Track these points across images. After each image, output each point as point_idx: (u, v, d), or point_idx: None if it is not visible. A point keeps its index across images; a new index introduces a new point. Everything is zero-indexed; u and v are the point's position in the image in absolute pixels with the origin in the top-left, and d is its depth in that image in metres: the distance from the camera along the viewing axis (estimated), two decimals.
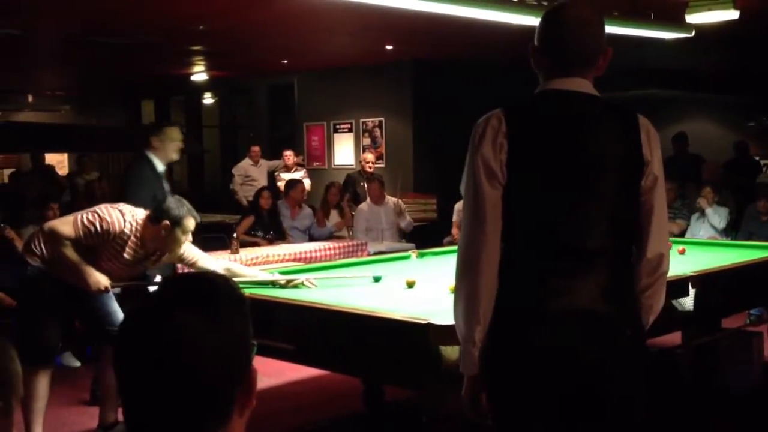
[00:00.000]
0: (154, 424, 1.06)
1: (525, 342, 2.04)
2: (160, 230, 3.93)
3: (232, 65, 11.01)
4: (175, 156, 4.95)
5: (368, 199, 7.94)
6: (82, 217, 3.92)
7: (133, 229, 3.95)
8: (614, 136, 2.08)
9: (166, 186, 4.94)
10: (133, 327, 1.09)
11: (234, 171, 10.16)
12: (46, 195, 6.98)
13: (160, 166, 4.88)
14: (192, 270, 4.18)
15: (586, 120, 2.08)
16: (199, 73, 11.60)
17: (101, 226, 3.88)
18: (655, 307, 2.16)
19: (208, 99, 13.62)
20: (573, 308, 2.01)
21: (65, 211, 5.50)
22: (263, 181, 9.72)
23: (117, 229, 3.90)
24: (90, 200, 6.86)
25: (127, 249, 3.98)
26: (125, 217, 3.94)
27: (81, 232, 3.87)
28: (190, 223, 4.00)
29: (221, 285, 1.15)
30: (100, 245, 3.94)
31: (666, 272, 2.15)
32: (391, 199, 8.01)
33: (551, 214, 2.04)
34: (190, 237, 4.05)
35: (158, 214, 3.94)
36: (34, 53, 9.41)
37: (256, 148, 10.12)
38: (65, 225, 3.92)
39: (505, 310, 2.07)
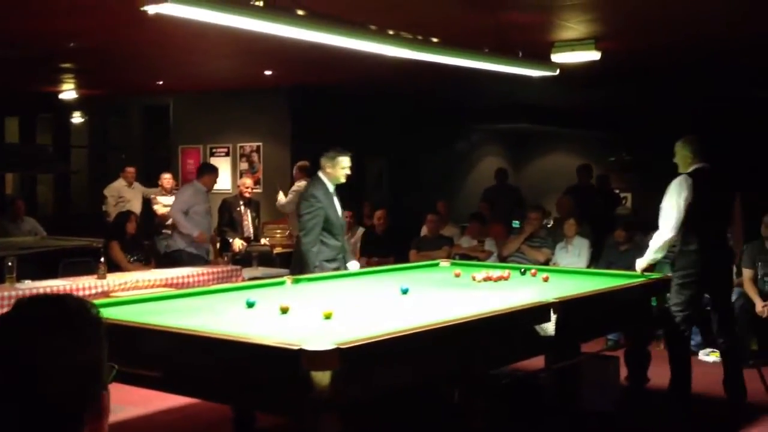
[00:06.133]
0: None
1: None
2: None
3: (104, 84, 10.67)
4: (342, 179, 5.76)
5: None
6: None
7: None
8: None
9: (337, 204, 5.78)
10: None
11: (106, 192, 9.81)
12: None
13: (331, 187, 5.73)
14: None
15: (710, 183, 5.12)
16: (69, 91, 11.17)
17: None
18: None
19: (77, 118, 13.12)
20: None
21: None
22: (137, 204, 9.42)
23: None
24: None
25: None
26: None
27: None
28: None
29: (75, 308, 1.15)
30: None
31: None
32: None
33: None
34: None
35: None
36: None
37: (131, 169, 9.84)
38: None
39: None
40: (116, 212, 9.26)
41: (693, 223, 5.01)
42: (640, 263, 5.22)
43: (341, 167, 5.74)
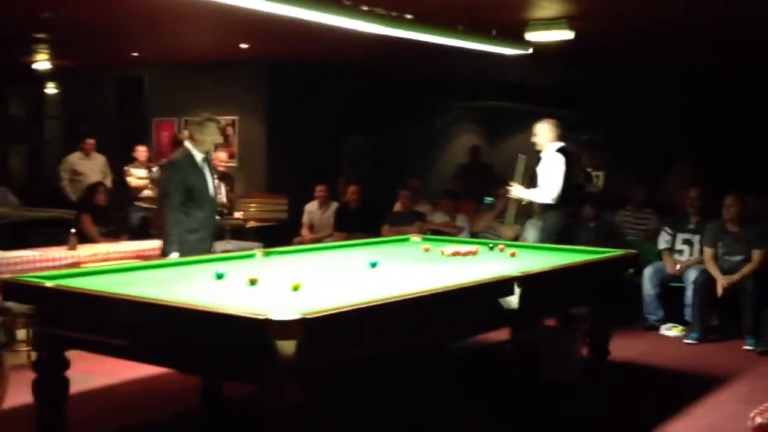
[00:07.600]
0: None
1: None
2: None
3: (78, 55, 10.57)
4: (210, 147, 5.56)
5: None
6: None
7: None
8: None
9: (207, 174, 5.52)
10: None
11: (60, 167, 9.59)
12: None
13: (198, 156, 5.43)
14: None
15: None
16: (43, 62, 11.06)
17: None
18: None
19: (52, 89, 12.99)
20: None
21: None
22: (95, 176, 9.17)
23: None
24: None
25: None
26: None
27: None
28: None
29: None
30: None
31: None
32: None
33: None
34: None
35: None
36: None
37: (91, 140, 9.58)
38: None
39: None
40: (73, 189, 9.13)
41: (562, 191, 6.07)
42: (519, 189, 6.34)
43: (209, 134, 5.48)
